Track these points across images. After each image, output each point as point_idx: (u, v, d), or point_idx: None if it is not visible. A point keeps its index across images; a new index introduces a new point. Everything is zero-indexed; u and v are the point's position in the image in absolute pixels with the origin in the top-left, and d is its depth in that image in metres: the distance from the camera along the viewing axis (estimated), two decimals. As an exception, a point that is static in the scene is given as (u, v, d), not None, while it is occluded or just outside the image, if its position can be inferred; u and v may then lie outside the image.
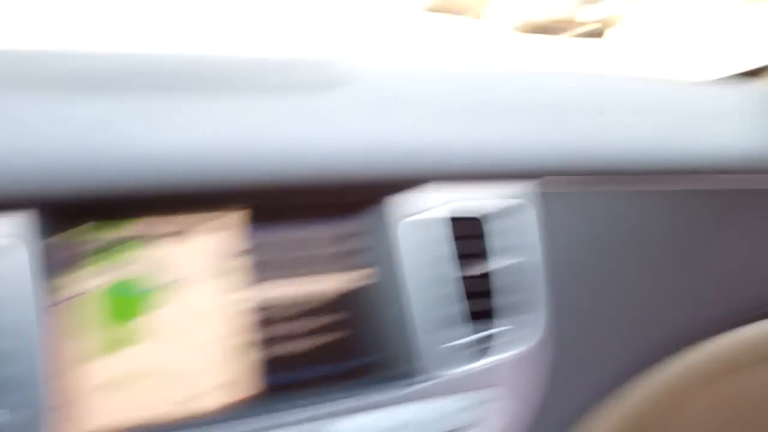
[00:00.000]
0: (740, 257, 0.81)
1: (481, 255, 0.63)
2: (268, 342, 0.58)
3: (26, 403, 0.48)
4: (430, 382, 0.60)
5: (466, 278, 0.62)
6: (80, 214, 0.53)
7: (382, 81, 0.73)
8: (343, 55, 0.78)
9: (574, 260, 0.69)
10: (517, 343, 0.64)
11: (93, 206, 0.53)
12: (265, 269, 0.58)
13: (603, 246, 0.71)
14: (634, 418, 0.76)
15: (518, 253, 0.65)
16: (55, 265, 0.52)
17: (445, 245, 0.62)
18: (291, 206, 0.60)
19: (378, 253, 0.62)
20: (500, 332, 0.63)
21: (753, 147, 0.85)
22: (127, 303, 0.54)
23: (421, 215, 0.62)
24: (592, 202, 0.71)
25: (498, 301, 0.64)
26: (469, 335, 0.62)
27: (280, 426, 0.55)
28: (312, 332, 0.59)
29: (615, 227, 0.72)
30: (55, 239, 0.52)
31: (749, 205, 0.83)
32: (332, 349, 0.60)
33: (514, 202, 0.65)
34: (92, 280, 0.53)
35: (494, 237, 0.64)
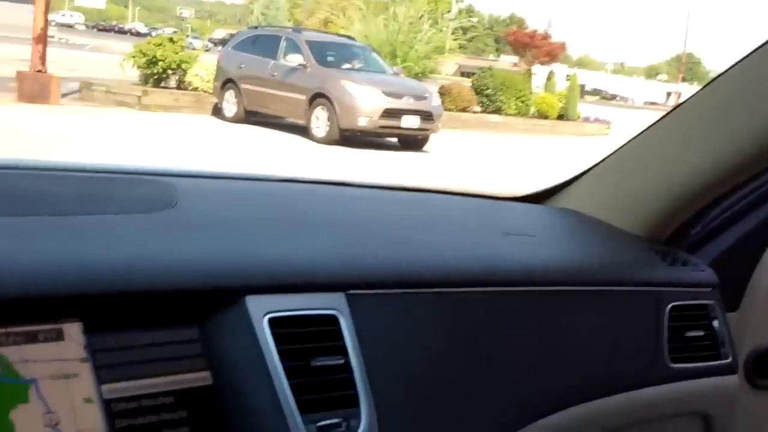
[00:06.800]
0: (536, 353, 0.92)
1: (306, 356, 0.70)
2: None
3: None
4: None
5: (294, 377, 0.68)
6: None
7: (209, 201, 0.82)
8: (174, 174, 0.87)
9: (390, 359, 0.77)
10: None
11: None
12: (108, 372, 0.61)
13: (415, 345, 0.80)
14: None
15: (340, 354, 0.72)
16: None
17: (274, 349, 0.68)
18: (130, 313, 0.64)
19: (217, 355, 0.67)
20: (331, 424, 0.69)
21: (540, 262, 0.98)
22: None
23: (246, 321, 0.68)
24: (401, 306, 0.81)
25: (324, 396, 0.70)
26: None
27: None
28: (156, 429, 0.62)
29: (420, 328, 0.82)
30: None
31: (541, 308, 0.95)
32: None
33: (328, 310, 0.74)
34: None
35: (317, 339, 0.71)
